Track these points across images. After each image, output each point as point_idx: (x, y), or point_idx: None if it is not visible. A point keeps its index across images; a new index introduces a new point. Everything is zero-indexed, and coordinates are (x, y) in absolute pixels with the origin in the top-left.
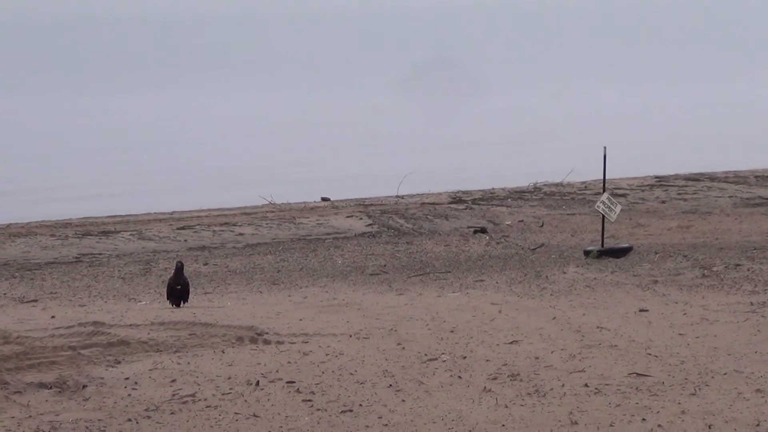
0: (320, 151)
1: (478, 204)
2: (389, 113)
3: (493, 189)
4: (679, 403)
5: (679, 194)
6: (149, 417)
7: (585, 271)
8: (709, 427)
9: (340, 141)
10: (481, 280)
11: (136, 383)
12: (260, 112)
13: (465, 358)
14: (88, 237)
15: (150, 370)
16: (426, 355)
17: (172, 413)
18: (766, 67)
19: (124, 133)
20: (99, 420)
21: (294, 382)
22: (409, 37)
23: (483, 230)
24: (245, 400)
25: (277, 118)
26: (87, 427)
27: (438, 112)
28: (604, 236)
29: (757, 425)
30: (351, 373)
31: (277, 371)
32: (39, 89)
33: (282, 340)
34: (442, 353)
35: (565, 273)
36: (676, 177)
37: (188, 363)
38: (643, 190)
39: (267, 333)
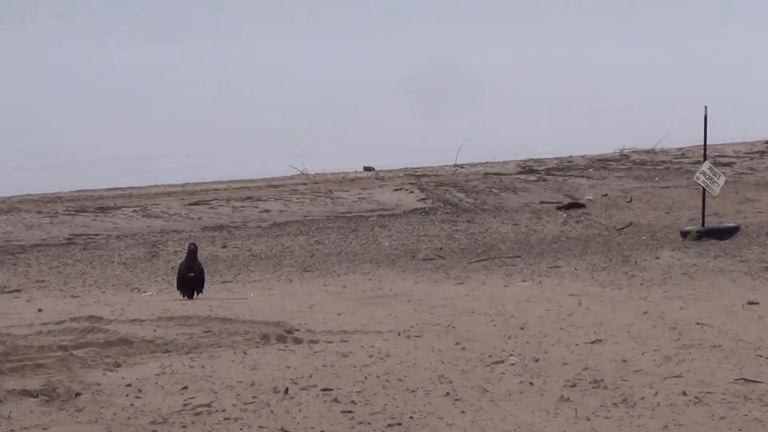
0: (361, 110)
1: (553, 174)
2: (443, 59)
3: (570, 157)
4: None
5: None
6: (156, 431)
7: (682, 256)
8: None
9: (385, 96)
10: (557, 267)
11: (140, 391)
12: (290, 63)
13: (537, 360)
14: (83, 214)
15: (157, 374)
16: (490, 357)
17: (184, 426)
18: None
19: (125, 84)
20: None
21: (331, 389)
22: None
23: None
24: (272, 411)
25: (310, 71)
26: None
27: (504, 66)
28: (705, 214)
29: None
30: (400, 379)
31: (310, 376)
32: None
33: (316, 339)
34: (510, 355)
35: (658, 258)
36: None
37: (203, 366)
38: (752, 158)
39: (298, 330)
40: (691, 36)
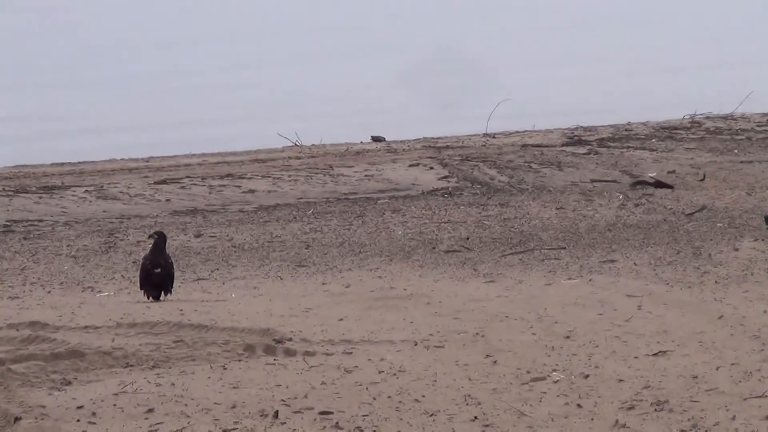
0: (368, 70)
1: (607, 146)
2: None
3: (629, 124)
4: None
5: None
6: None
7: (767, 248)
8: None
9: (396, 54)
10: (612, 261)
11: (94, 414)
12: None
13: (587, 377)
14: (22, 195)
15: (115, 394)
16: (529, 372)
17: None
18: None
19: (73, 34)
20: None
21: (331, 412)
22: None
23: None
24: None
25: (305, 20)
26: None
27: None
28: None
29: None
30: (416, 400)
31: (305, 396)
32: None
33: (313, 350)
34: (554, 370)
35: (737, 250)
36: None
37: (172, 384)
38: None
39: (290, 339)
40: None
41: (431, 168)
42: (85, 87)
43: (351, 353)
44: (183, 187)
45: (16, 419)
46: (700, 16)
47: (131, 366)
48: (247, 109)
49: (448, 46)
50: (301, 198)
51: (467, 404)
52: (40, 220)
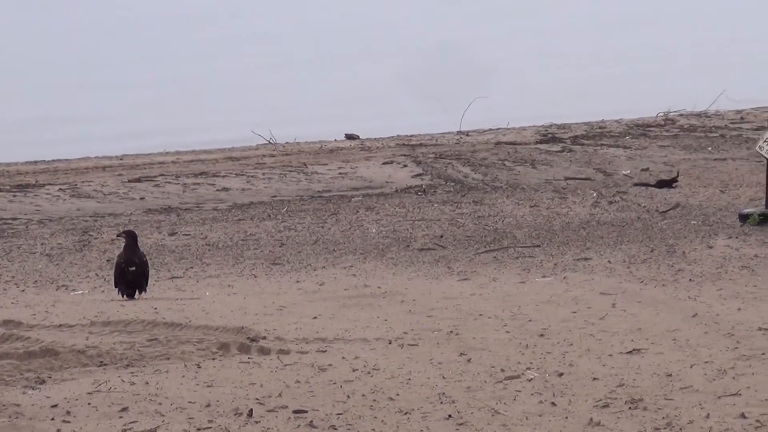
0: (340, 62)
1: (581, 144)
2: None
3: (603, 122)
4: None
5: None
6: None
7: (741, 245)
8: None
9: (370, 46)
10: (586, 259)
11: (68, 413)
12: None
13: (561, 375)
14: None
15: (89, 393)
16: (503, 371)
17: None
18: None
19: (45, 29)
20: None
21: (305, 411)
22: None
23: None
24: None
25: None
26: None
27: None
28: None
29: None
30: (391, 398)
31: (279, 395)
32: None
33: (287, 349)
34: (528, 368)
35: (711, 247)
36: None
37: (146, 383)
38: None
39: (264, 338)
40: None
41: (405, 166)
42: (61, 87)
43: (325, 351)
44: (157, 185)
45: None
46: (675, 15)
47: (105, 364)
48: (221, 104)
49: (427, 49)
50: (275, 196)
51: (441, 402)
52: (14, 219)
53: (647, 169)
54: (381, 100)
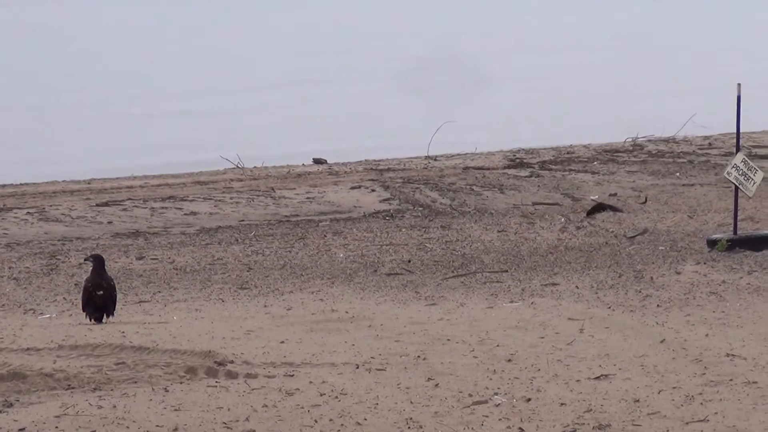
0: (312, 89)
1: (549, 169)
2: (417, 32)
3: (571, 147)
4: None
5: None
6: None
7: (709, 271)
8: None
9: (334, 73)
10: (554, 284)
11: None
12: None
13: (529, 400)
14: None
15: (57, 417)
16: (471, 396)
17: None
18: None
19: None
20: None
21: None
22: None
23: (602, 206)
24: None
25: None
26: None
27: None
28: (738, 218)
29: None
30: (358, 423)
31: (247, 419)
32: None
33: (255, 373)
34: (495, 393)
35: (679, 273)
36: None
37: (114, 407)
38: None
39: (232, 362)
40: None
41: (373, 190)
42: (20, 110)
43: (293, 376)
44: (125, 210)
45: None
46: (643, 40)
47: (73, 388)
48: (189, 128)
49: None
50: (242, 220)
51: (409, 427)
52: None
53: (615, 194)
54: (348, 122)
